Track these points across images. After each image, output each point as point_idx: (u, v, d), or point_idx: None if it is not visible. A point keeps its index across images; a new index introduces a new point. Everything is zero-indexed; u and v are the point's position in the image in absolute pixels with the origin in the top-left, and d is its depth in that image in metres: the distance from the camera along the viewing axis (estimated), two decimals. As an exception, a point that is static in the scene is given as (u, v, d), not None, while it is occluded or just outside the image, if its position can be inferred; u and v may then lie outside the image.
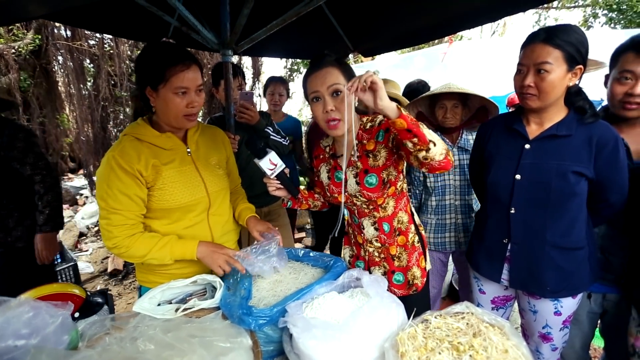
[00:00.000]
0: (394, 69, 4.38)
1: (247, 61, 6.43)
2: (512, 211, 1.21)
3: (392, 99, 2.14)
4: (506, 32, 9.85)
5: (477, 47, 4.49)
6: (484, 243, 1.32)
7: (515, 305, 1.41)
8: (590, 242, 1.20)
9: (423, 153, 0.95)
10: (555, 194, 1.13)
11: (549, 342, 1.28)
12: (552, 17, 9.54)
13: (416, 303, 1.11)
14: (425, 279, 1.27)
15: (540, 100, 1.12)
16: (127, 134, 1.13)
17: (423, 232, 1.31)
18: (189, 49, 1.18)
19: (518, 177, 1.18)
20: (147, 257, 1.11)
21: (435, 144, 0.95)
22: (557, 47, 1.06)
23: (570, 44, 1.06)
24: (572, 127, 1.12)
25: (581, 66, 1.10)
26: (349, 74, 1.10)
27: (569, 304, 1.21)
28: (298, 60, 6.59)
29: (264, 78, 7.09)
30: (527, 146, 1.18)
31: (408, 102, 2.19)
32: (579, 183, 1.11)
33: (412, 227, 1.25)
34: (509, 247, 1.24)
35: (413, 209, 1.30)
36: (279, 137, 1.93)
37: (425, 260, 1.28)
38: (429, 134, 0.95)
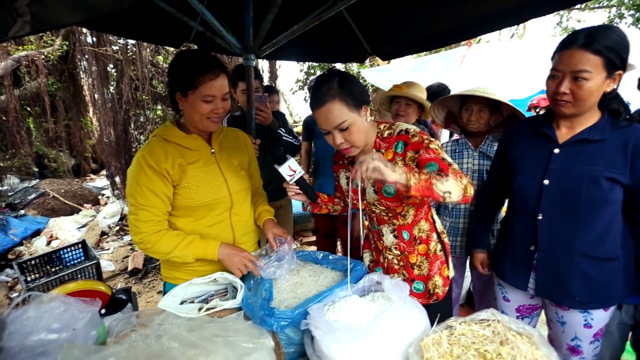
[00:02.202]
0: (410, 72, 4.31)
1: (262, 62, 6.51)
2: (540, 217, 1.17)
3: (417, 103, 2.09)
4: (526, 34, 9.61)
5: (496, 49, 4.39)
6: (509, 250, 1.28)
7: (542, 315, 1.36)
8: (627, 252, 1.14)
9: (441, 201, 0.98)
10: (586, 201, 1.08)
11: (578, 355, 1.22)
12: (575, 18, 9.24)
13: (437, 312, 1.08)
14: (447, 288, 1.25)
15: (575, 108, 1.06)
16: (156, 135, 1.18)
17: (446, 239, 1.28)
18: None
19: (546, 182, 1.14)
20: (171, 254, 1.15)
21: (450, 193, 0.95)
22: (597, 53, 0.98)
23: (612, 50, 0.98)
24: (605, 131, 1.07)
25: (621, 71, 1.03)
26: (353, 98, 1.04)
27: (600, 316, 1.16)
28: (315, 64, 6.62)
29: (280, 81, 7.16)
30: (556, 150, 1.14)
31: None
32: (612, 190, 1.06)
33: (434, 235, 1.23)
34: (535, 255, 1.20)
35: (436, 217, 1.27)
36: (291, 137, 2.03)
37: (448, 268, 1.25)
38: (442, 186, 0.94)
